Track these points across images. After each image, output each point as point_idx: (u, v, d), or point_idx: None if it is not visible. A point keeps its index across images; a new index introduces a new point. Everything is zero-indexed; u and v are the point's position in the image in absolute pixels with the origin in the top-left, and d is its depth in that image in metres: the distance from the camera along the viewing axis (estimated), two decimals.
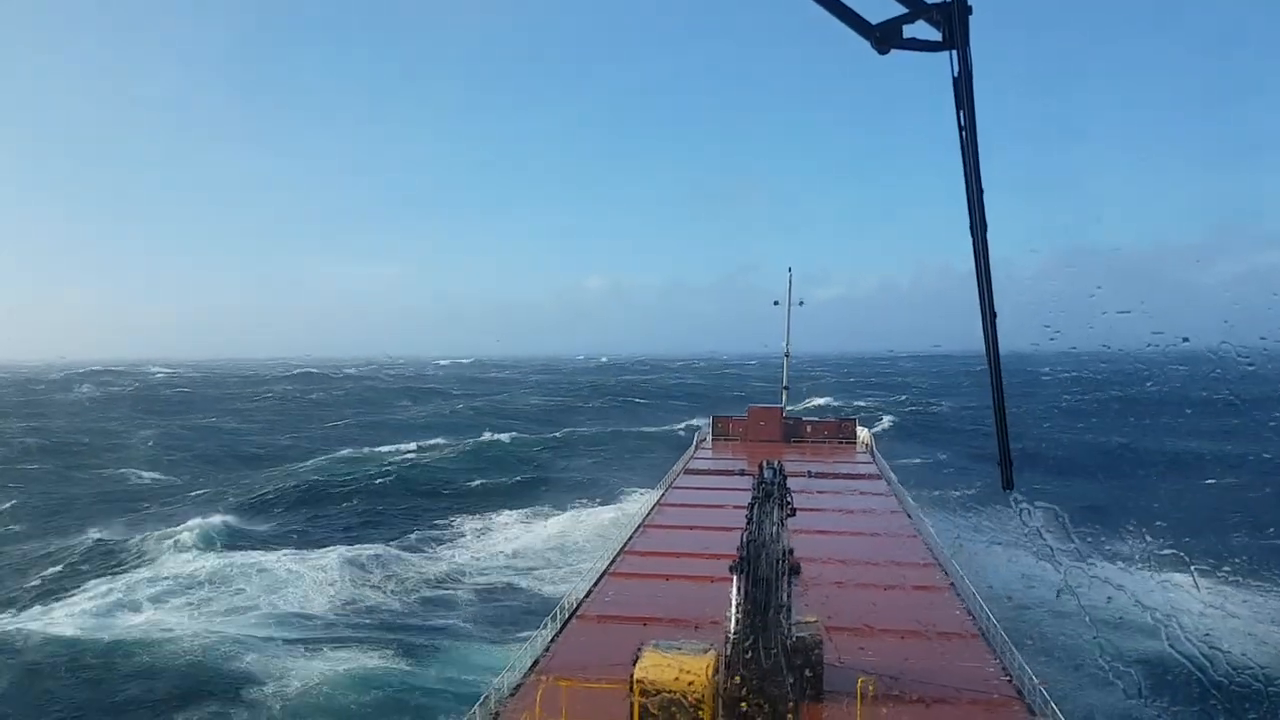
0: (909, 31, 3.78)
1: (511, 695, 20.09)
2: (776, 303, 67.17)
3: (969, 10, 3.72)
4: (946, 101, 3.83)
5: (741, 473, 48.45)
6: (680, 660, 15.22)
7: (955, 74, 3.77)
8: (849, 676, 19.19)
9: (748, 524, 18.71)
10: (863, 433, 66.25)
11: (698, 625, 22.74)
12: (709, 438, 66.86)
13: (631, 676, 15.14)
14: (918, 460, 77.77)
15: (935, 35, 3.78)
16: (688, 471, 52.69)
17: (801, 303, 67.13)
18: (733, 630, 16.33)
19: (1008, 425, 4.60)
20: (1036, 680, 20.11)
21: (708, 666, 15.07)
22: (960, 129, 3.85)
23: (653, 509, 40.89)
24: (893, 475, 50.99)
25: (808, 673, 18.61)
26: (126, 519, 58.52)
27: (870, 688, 18.36)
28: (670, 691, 14.66)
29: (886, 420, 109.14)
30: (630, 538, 35.14)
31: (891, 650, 22.15)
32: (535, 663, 21.99)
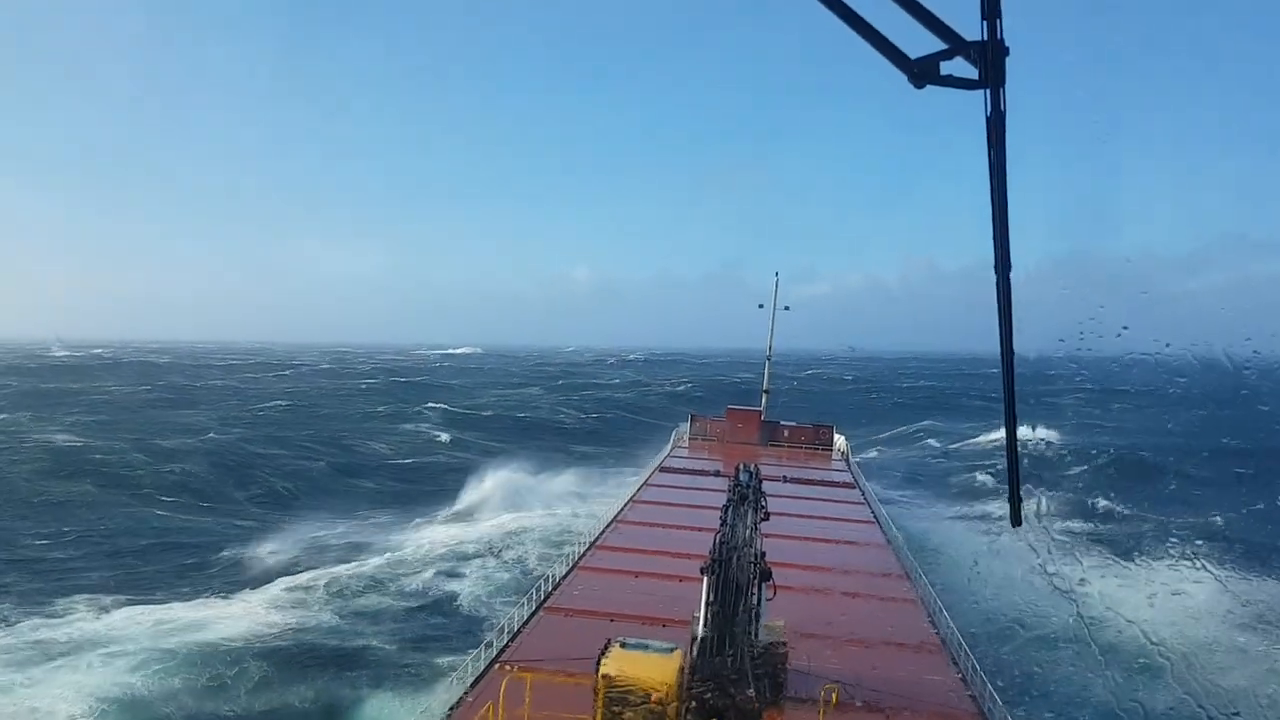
0: (946, 68, 3.80)
1: (474, 684, 20.02)
2: (761, 306, 67.25)
3: (1005, 51, 3.75)
4: (978, 138, 3.77)
5: (717, 473, 48.52)
6: (647, 658, 15.20)
7: (989, 114, 3.80)
8: (812, 683, 19.27)
9: (721, 525, 18.71)
10: (839, 440, 66.55)
11: (665, 624, 22.74)
12: (686, 437, 66.94)
13: (597, 672, 15.11)
14: None
15: (972, 73, 3.80)
16: (663, 470, 52.71)
17: (787, 308, 67.21)
18: (700, 631, 16.33)
19: (1019, 463, 4.56)
20: (997, 696, 20.29)
21: (674, 666, 15.06)
22: (990, 168, 3.87)
23: (626, 505, 40.88)
24: (867, 484, 51.26)
25: (774, 678, 18.66)
26: None
27: (833, 695, 18.45)
28: (636, 689, 14.64)
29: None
30: (602, 532, 35.12)
31: (855, 659, 22.27)
32: (500, 653, 21.93)
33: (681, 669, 15.12)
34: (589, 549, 32.32)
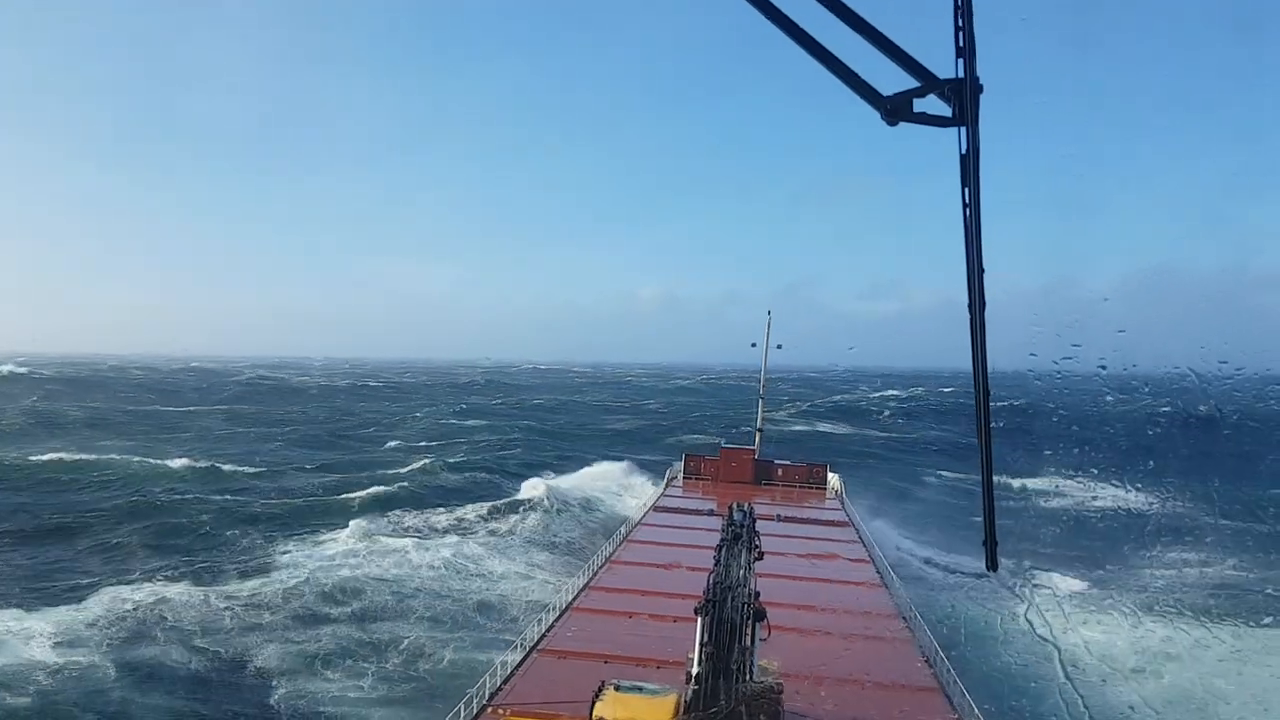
0: (919, 106, 3.92)
1: None
2: (754, 345, 67.47)
3: (980, 89, 3.88)
4: (954, 176, 3.91)
5: (711, 513, 48.35)
6: (641, 700, 15.10)
7: (963, 150, 3.90)
8: None
9: (715, 565, 18.67)
10: (833, 479, 66.41)
11: (660, 665, 22.56)
12: (679, 476, 66.73)
13: (591, 715, 14.99)
14: None
15: (946, 110, 3.91)
16: (657, 509, 52.48)
17: (779, 346, 67.57)
18: (695, 672, 16.24)
19: (995, 505, 4.54)
20: None
21: (669, 708, 14.96)
22: (964, 205, 3.96)
23: (619, 545, 40.66)
24: (861, 523, 51.10)
25: (769, 718, 18.51)
26: None
27: None
28: None
29: None
30: (596, 573, 34.90)
31: (850, 700, 22.09)
32: (492, 696, 21.70)
33: (676, 710, 15.01)
34: (582, 590, 32.09)
